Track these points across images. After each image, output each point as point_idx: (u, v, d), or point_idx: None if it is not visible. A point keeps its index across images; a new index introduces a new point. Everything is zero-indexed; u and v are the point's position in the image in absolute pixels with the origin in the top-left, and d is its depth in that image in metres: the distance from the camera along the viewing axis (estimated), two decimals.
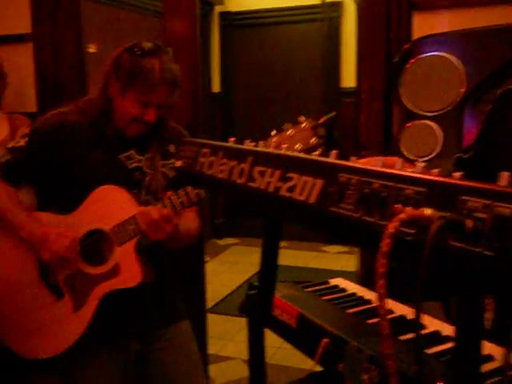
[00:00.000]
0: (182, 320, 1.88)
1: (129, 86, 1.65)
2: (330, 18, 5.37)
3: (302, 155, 0.75)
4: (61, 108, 1.77)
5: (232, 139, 1.01)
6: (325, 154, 1.54)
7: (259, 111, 5.66)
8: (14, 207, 1.71)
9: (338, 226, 0.64)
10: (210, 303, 3.55)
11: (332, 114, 1.48)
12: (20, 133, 2.50)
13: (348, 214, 0.61)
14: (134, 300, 1.74)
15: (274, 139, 1.45)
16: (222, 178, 0.91)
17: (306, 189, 0.69)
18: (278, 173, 0.75)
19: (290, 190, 0.71)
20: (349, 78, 5.34)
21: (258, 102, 5.74)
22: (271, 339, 1.27)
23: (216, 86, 5.98)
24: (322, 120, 1.45)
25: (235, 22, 5.88)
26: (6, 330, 1.75)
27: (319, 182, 0.67)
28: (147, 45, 1.66)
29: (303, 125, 1.45)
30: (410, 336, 1.09)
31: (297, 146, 1.43)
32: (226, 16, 5.89)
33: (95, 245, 1.69)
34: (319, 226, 0.70)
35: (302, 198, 0.69)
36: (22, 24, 2.74)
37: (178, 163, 1.07)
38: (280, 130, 1.47)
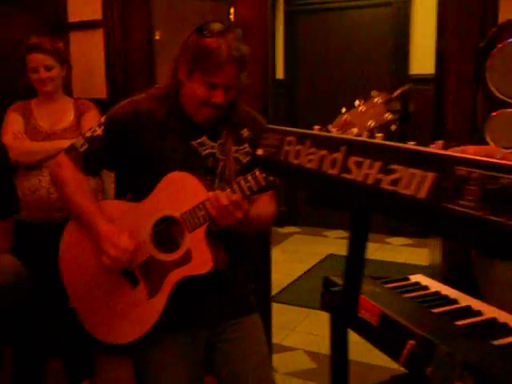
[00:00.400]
0: (254, 312, 1.86)
1: (195, 66, 1.63)
2: (398, 1, 5.19)
3: (406, 146, 0.68)
4: (133, 96, 1.78)
5: (317, 127, 0.96)
6: (401, 129, 1.49)
7: (323, 99, 5.54)
8: (85, 202, 1.73)
9: (454, 224, 0.57)
10: (272, 292, 3.53)
11: (407, 87, 1.39)
12: (87, 118, 2.57)
13: (468, 211, 0.55)
14: (207, 288, 1.73)
15: (345, 117, 1.41)
16: (310, 168, 0.85)
17: (414, 182, 0.62)
18: (378, 164, 0.69)
19: (394, 183, 0.66)
20: (418, 64, 5.16)
21: (322, 90, 5.64)
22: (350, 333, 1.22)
23: (280, 73, 5.91)
24: (396, 93, 1.37)
25: (300, 8, 5.79)
26: (85, 316, 1.79)
27: (430, 176, 0.60)
28: (215, 25, 1.63)
29: (375, 100, 1.39)
30: (504, 341, 1.02)
31: (369, 122, 1.38)
32: (290, 1, 5.80)
33: (167, 231, 1.68)
34: (430, 223, 0.63)
35: (409, 192, 0.63)
36: (93, 10, 2.77)
37: (259, 151, 1.03)
38: (350, 108, 1.42)
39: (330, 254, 4.89)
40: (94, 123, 2.52)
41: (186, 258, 1.64)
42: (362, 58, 5.41)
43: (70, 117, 2.59)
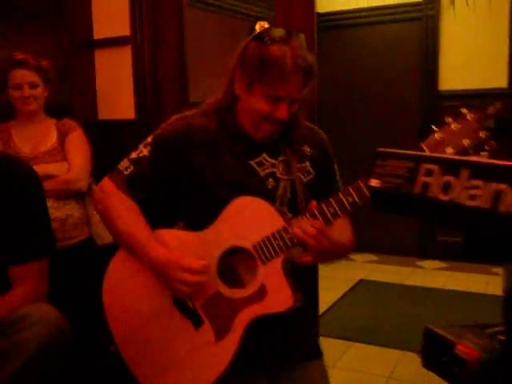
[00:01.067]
0: (320, 357, 1.64)
1: (256, 78, 1.44)
2: (427, 15, 5.00)
3: None
4: (184, 112, 1.59)
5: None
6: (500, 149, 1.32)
7: (349, 116, 5.34)
8: (138, 230, 1.52)
9: None
10: None
11: (498, 105, 1.30)
12: (71, 139, 2.32)
13: None
14: (275, 328, 1.52)
15: (437, 135, 1.30)
16: (475, 207, 0.63)
17: None
18: None
19: None
20: (448, 80, 4.96)
21: (348, 107, 5.42)
22: None
23: None
24: (491, 110, 1.27)
25: (323, 24, 5.61)
26: (137, 365, 1.56)
27: None
28: (277, 31, 1.45)
29: (468, 117, 1.29)
30: None
31: (464, 141, 1.27)
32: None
33: (236, 264, 1.50)
34: None
35: None
36: (121, 26, 2.59)
37: (374, 182, 0.82)
38: (441, 125, 1.33)
39: (361, 280, 4.64)
40: (79, 144, 2.40)
41: (260, 295, 1.44)
42: (390, 73, 5.22)
43: (53, 138, 2.41)
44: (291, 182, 1.56)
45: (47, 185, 2.18)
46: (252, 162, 1.54)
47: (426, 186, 0.70)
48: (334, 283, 4.67)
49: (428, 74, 5.03)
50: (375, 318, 3.72)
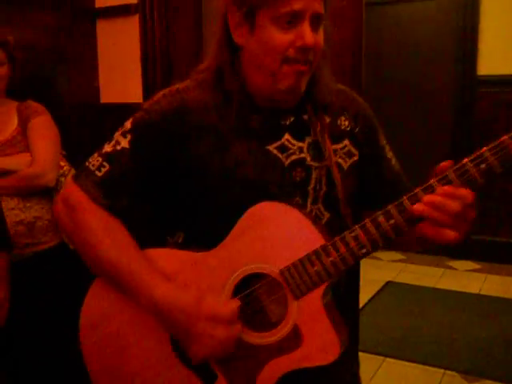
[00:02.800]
0: None
1: (256, 2, 1.05)
2: None
3: None
4: (173, 86, 1.18)
5: None
6: None
7: (383, 95, 4.95)
8: (127, 259, 1.11)
9: None
10: None
11: None
12: (35, 126, 1.97)
13: None
14: (309, 374, 1.11)
15: None
16: None
17: None
18: None
19: None
20: (488, 64, 4.54)
21: (382, 86, 5.03)
22: None
23: None
24: None
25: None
26: None
27: None
28: None
29: None
30: None
31: None
32: None
33: (258, 298, 1.09)
34: None
35: None
36: None
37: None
38: None
39: (389, 282, 4.27)
40: (44, 130, 2.01)
41: (293, 341, 1.05)
42: (425, 56, 4.86)
43: (13, 125, 2.06)
44: (326, 170, 1.16)
45: (5, 181, 1.92)
46: (271, 148, 1.14)
47: None
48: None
49: (465, 57, 4.63)
50: (408, 329, 3.39)
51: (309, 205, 1.15)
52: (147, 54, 2.18)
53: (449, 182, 0.97)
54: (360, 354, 1.41)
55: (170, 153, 1.14)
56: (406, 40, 4.97)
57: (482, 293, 4.04)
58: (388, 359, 3.00)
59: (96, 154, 1.17)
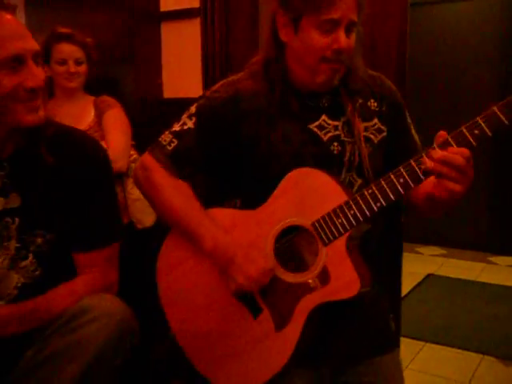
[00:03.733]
0: (396, 348, 1.47)
1: (303, 8, 1.26)
2: None
3: None
4: (229, 77, 1.42)
5: None
6: None
7: (422, 96, 4.98)
8: (191, 209, 1.37)
9: None
10: None
11: None
12: (109, 117, 2.19)
13: None
14: (344, 315, 1.35)
15: None
16: None
17: None
18: None
19: None
20: None
21: (422, 87, 5.04)
22: None
23: None
24: None
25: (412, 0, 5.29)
26: (195, 352, 1.42)
27: None
28: None
29: None
30: None
31: None
32: None
33: (294, 245, 1.32)
34: None
35: None
36: None
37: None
38: None
39: (430, 275, 4.37)
40: (117, 122, 2.24)
41: (323, 279, 1.27)
42: (467, 56, 4.86)
43: (90, 117, 2.28)
44: (358, 144, 1.38)
45: None
46: (312, 126, 1.35)
47: None
48: None
49: (507, 58, 4.66)
50: (448, 317, 3.48)
51: (344, 173, 1.37)
52: (207, 53, 2.36)
53: (449, 145, 1.17)
54: (402, 338, 1.55)
55: (227, 133, 1.37)
56: (450, 40, 4.93)
57: None
58: (428, 344, 3.11)
59: (167, 132, 1.42)
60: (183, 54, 2.46)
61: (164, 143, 1.40)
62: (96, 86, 2.40)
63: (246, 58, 2.39)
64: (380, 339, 1.44)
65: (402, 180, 1.20)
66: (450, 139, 1.18)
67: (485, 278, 4.29)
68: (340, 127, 1.36)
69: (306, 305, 1.28)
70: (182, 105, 2.46)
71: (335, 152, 1.36)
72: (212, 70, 2.36)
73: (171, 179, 1.39)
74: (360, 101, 1.39)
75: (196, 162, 1.40)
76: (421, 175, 1.19)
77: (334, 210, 1.25)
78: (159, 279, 1.45)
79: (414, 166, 1.19)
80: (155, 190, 1.40)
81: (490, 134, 1.15)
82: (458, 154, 1.15)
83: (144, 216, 2.34)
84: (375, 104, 1.42)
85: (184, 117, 1.41)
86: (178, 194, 1.38)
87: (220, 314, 1.37)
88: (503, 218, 4.79)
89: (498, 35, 4.69)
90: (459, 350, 3.00)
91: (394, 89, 1.48)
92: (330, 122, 1.36)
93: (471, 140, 1.16)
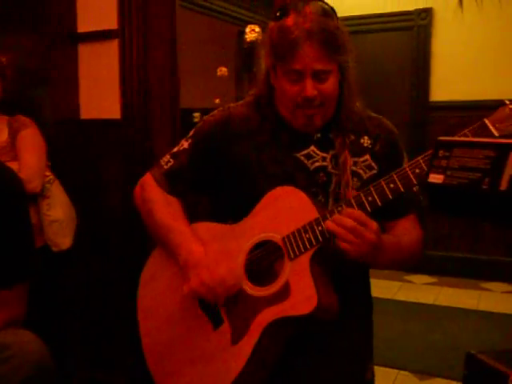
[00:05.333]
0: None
1: (274, 56, 1.33)
2: (419, 26, 4.91)
3: None
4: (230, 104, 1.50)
5: None
6: None
7: None
8: (175, 223, 1.43)
9: None
10: None
11: None
12: (23, 137, 2.15)
13: None
14: (313, 349, 1.34)
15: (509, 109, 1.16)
16: None
17: None
18: None
19: None
20: (439, 91, 4.86)
21: None
22: None
23: None
24: None
25: None
26: (156, 362, 1.44)
27: None
28: (293, 2, 1.32)
29: None
30: None
31: None
32: None
33: (265, 260, 1.34)
34: None
35: None
36: (108, 18, 2.40)
37: (435, 178, 0.66)
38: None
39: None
40: (31, 142, 2.23)
41: (283, 294, 1.26)
42: (382, 81, 5.10)
43: (3, 136, 2.24)
44: (344, 177, 1.41)
45: None
46: (299, 155, 1.40)
47: None
48: None
49: (419, 85, 4.93)
50: None
51: (331, 202, 1.40)
52: (125, 75, 2.37)
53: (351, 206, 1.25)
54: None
55: (218, 152, 1.44)
56: (362, 69, 5.19)
57: (437, 303, 4.29)
58: (403, 372, 3.12)
59: (167, 154, 1.52)
60: (101, 76, 2.44)
61: (162, 163, 1.51)
62: (11, 107, 2.34)
63: (164, 84, 2.44)
64: (350, 373, 1.39)
65: (370, 198, 1.25)
66: (351, 200, 1.25)
67: (401, 296, 4.45)
68: (328, 159, 1.40)
69: (263, 319, 1.28)
70: (99, 126, 2.48)
71: (320, 181, 1.39)
72: (130, 91, 2.35)
73: (163, 195, 1.48)
74: (352, 137, 1.43)
75: (188, 180, 1.48)
76: (389, 194, 1.23)
77: (304, 226, 1.27)
78: (138, 292, 1.53)
79: (384, 186, 1.23)
80: (147, 206, 1.48)
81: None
82: (349, 217, 1.20)
83: (60, 238, 2.29)
84: (369, 141, 1.45)
85: (183, 140, 1.51)
86: (165, 209, 1.46)
87: (184, 325, 1.40)
88: None
89: (409, 65, 4.96)
90: (376, 366, 3.07)
91: (394, 132, 1.50)
92: (318, 152, 1.41)
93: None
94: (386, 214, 1.35)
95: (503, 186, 0.54)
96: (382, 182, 1.22)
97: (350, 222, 1.19)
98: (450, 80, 4.79)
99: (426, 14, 4.84)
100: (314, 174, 1.40)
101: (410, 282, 4.85)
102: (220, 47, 4.53)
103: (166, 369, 1.42)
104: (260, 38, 4.30)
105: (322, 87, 1.32)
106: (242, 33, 4.34)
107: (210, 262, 1.34)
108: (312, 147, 1.41)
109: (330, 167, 1.40)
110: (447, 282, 4.71)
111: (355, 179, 1.40)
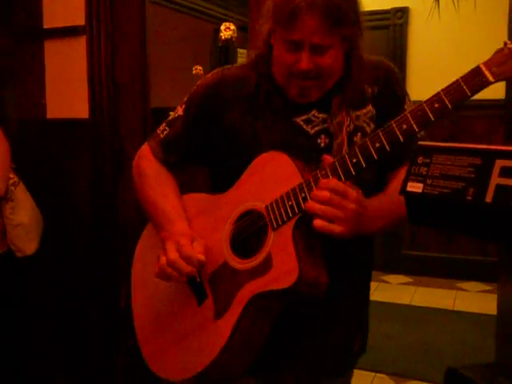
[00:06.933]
0: (352, 370, 1.43)
1: (273, 20, 1.24)
2: (395, 25, 4.91)
3: None
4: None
5: None
6: None
7: None
8: (161, 199, 1.38)
9: None
10: None
11: None
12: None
13: None
14: (293, 324, 1.27)
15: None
16: None
17: None
18: None
19: None
20: (415, 89, 4.85)
21: None
22: None
23: None
24: None
25: None
26: (145, 340, 1.40)
27: None
28: None
29: None
30: None
31: None
32: None
33: (250, 230, 1.25)
34: None
35: None
36: (74, 14, 2.32)
37: (414, 187, 0.60)
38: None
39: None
40: None
41: (266, 267, 1.17)
42: None
43: None
44: (347, 136, 1.29)
45: None
46: (298, 120, 1.30)
47: (505, 191, 0.49)
48: None
49: None
50: None
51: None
52: (93, 72, 2.28)
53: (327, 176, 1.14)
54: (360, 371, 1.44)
55: (211, 118, 1.36)
56: None
57: (413, 303, 4.28)
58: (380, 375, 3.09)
59: (163, 122, 1.45)
60: (68, 73, 2.35)
61: (159, 132, 1.44)
62: None
63: (134, 82, 2.36)
64: (342, 360, 1.38)
65: (354, 160, 1.12)
66: (336, 163, 1.14)
67: (378, 296, 4.42)
68: (329, 120, 1.29)
69: (245, 294, 1.19)
70: (66, 125, 2.39)
71: (322, 145, 1.29)
72: (99, 92, 2.27)
73: (156, 168, 1.43)
74: (353, 91, 1.30)
75: (183, 148, 1.41)
76: (374, 155, 1.11)
77: (287, 193, 1.17)
78: (133, 265, 1.48)
79: (369, 146, 1.11)
80: (140, 179, 1.44)
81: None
82: (325, 188, 1.11)
83: (24, 243, 2.20)
84: (369, 89, 1.32)
85: (178, 106, 1.44)
86: (155, 184, 1.41)
87: (171, 302, 1.35)
88: (391, 237, 4.98)
89: None
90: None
91: (392, 70, 1.37)
92: (319, 115, 1.30)
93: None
94: (386, 164, 1.27)
95: (489, 197, 0.48)
96: (368, 142, 1.11)
97: (324, 195, 1.10)
98: (426, 79, 4.78)
99: (402, 13, 4.84)
100: (314, 138, 1.29)
101: (386, 282, 4.84)
102: (195, 45, 4.46)
103: (153, 346, 1.37)
104: (235, 35, 4.24)
105: (319, 60, 1.22)
106: (217, 31, 4.27)
107: (183, 237, 1.27)
108: (313, 111, 1.30)
109: (331, 128, 1.28)
110: (423, 281, 4.70)
111: (359, 134, 1.29)
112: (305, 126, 1.30)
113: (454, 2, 3.02)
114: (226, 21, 4.40)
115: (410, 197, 0.59)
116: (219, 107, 1.35)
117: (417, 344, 3.41)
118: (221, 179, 1.38)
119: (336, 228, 1.10)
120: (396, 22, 4.89)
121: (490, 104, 4.61)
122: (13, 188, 2.16)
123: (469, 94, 1.03)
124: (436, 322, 3.83)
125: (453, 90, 1.04)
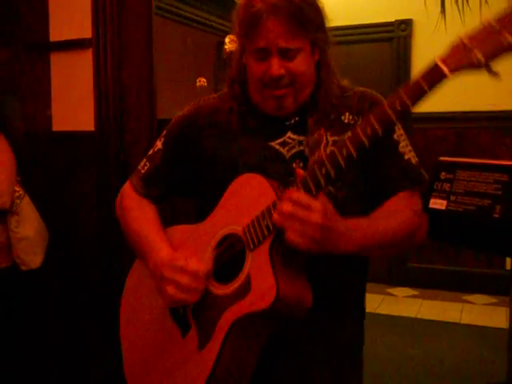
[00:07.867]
0: None
1: (240, 34, 1.26)
2: (399, 37, 4.91)
3: None
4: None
5: None
6: None
7: None
8: (145, 231, 1.38)
9: None
10: None
11: None
12: None
13: None
14: (277, 349, 1.23)
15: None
16: None
17: None
18: None
19: None
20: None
21: None
22: None
23: None
24: None
25: None
26: (132, 376, 1.38)
27: None
28: None
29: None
30: None
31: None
32: None
33: (230, 254, 1.24)
34: None
35: None
36: (81, 27, 2.32)
37: (437, 203, 0.58)
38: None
39: None
40: None
41: (245, 289, 1.14)
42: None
43: None
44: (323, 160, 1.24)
45: None
46: (274, 144, 1.29)
47: None
48: None
49: None
50: None
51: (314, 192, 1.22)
52: (100, 85, 2.28)
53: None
54: None
55: (188, 147, 1.38)
56: (349, 79, 5.15)
57: (419, 316, 4.24)
58: None
59: (144, 158, 1.47)
60: (74, 86, 2.35)
61: (139, 168, 1.46)
62: None
63: (140, 95, 2.36)
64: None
65: (323, 171, 1.09)
66: (298, 183, 1.11)
67: (383, 309, 4.39)
68: (305, 142, 1.28)
69: (226, 320, 1.15)
70: (72, 138, 2.39)
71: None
72: (105, 105, 2.26)
73: (138, 202, 1.43)
74: (332, 116, 1.31)
75: (164, 181, 1.43)
76: (342, 163, 1.08)
77: (262, 212, 1.15)
78: (122, 299, 1.47)
79: (337, 153, 1.08)
80: (124, 215, 1.44)
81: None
82: (288, 200, 1.08)
83: (30, 256, 2.18)
84: (350, 117, 1.32)
85: (157, 140, 1.46)
86: (138, 216, 1.41)
87: (156, 335, 1.32)
88: None
89: (389, 77, 4.95)
90: None
91: (379, 101, 1.34)
92: (294, 137, 1.30)
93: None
94: (375, 197, 1.25)
95: None
96: (336, 150, 1.08)
97: (287, 208, 1.06)
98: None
99: (406, 25, 4.85)
100: (290, 162, 1.28)
101: (392, 294, 4.80)
102: (199, 57, 4.47)
103: (142, 382, 1.34)
104: None
105: (289, 65, 1.22)
106: (222, 43, 4.27)
107: (179, 261, 1.24)
108: (288, 134, 1.30)
109: (306, 150, 1.27)
110: (429, 294, 4.67)
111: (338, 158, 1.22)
112: (281, 150, 1.29)
113: (460, 14, 3.02)
114: (230, 33, 4.41)
115: (433, 213, 0.57)
116: (196, 135, 1.36)
117: (423, 357, 3.38)
118: (204, 207, 1.36)
119: (301, 241, 1.06)
120: (400, 35, 4.89)
121: (493, 116, 4.61)
122: (18, 201, 2.15)
123: (427, 90, 1.04)
124: (443, 335, 3.80)
125: (412, 87, 1.04)
